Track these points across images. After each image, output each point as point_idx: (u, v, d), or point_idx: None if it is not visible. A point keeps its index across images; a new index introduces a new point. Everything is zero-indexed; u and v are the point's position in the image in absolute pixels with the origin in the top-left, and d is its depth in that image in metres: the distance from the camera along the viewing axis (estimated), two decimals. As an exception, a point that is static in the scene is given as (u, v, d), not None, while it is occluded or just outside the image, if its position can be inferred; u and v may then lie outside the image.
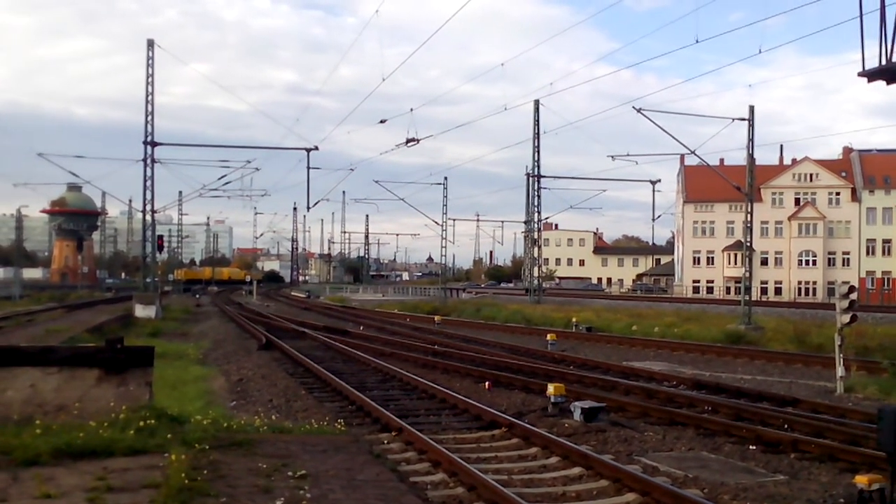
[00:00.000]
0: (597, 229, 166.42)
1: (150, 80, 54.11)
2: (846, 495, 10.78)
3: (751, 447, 14.37)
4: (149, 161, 53.89)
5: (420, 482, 11.56)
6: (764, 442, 14.54)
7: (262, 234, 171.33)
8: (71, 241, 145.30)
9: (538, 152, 67.14)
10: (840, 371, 21.72)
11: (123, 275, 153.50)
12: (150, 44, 54.24)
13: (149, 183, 54.40)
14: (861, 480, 10.51)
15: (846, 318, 21.67)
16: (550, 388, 17.91)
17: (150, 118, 53.59)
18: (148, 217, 56.46)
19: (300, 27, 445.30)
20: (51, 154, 56.79)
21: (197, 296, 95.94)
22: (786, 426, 15.72)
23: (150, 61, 54.03)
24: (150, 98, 53.90)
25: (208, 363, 28.48)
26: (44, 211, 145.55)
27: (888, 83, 10.32)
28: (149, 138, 53.70)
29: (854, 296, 22.23)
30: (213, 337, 39.27)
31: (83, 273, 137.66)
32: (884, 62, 10.01)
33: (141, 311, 52.05)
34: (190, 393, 20.68)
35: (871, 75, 10.29)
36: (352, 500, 9.66)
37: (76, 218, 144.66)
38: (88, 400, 13.81)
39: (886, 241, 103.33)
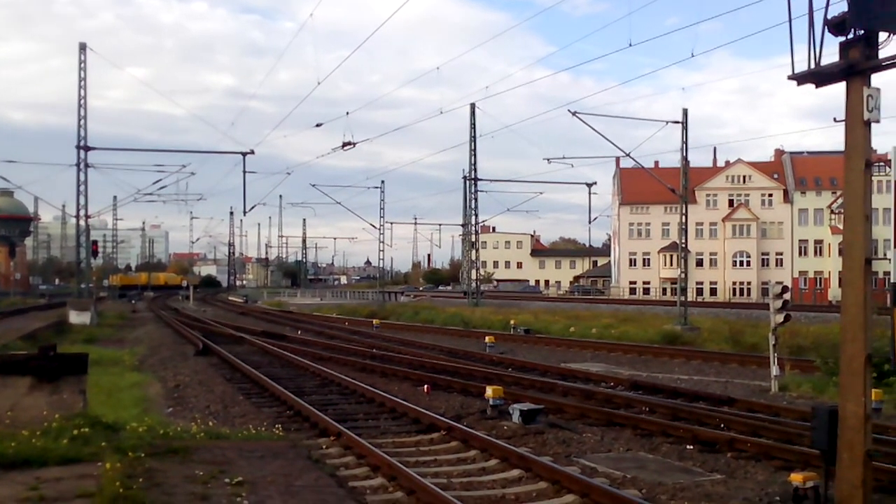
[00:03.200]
0: (534, 232, 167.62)
1: (82, 83, 53.22)
2: (782, 493, 10.95)
3: (688, 447, 14.53)
4: (82, 166, 53.01)
5: (359, 487, 11.49)
6: (701, 441, 14.72)
7: (198, 239, 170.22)
8: (3, 248, 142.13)
9: (475, 155, 67.36)
10: (774, 370, 22.09)
11: (57, 281, 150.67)
12: (83, 47, 53.41)
13: (82, 188, 53.50)
14: (796, 478, 10.69)
15: (780, 317, 22.02)
16: (489, 391, 17.95)
17: (82, 122, 52.74)
18: (82, 222, 55.55)
19: (238, 31, 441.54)
20: (-20, 158, 55.71)
21: (133, 301, 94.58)
22: (722, 426, 15.94)
23: (83, 65, 53.17)
24: (82, 102, 53.04)
25: (144, 369, 28.02)
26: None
27: (817, 86, 10.49)
28: (82, 142, 52.83)
29: (787, 296, 22.59)
30: (150, 343, 38.69)
31: (16, 279, 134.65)
32: (813, 66, 10.18)
33: (75, 317, 51.11)
34: (125, 400, 20.30)
35: (801, 78, 10.46)
36: (290, 507, 9.57)
37: (8, 223, 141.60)
38: (21, 408, 13.52)
39: (818, 242, 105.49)
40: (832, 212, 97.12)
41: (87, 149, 53.13)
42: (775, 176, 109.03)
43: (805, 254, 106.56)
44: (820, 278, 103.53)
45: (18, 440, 11.68)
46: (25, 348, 27.01)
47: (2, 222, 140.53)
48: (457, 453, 14.10)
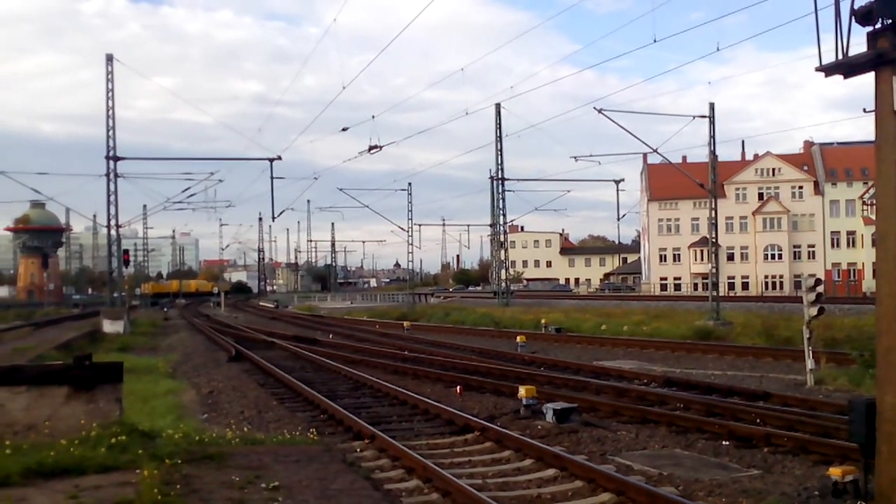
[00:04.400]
0: (563, 230, 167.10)
1: (109, 94, 53.75)
2: (820, 487, 10.84)
3: (724, 443, 14.44)
4: (111, 176, 53.51)
5: (394, 489, 11.51)
6: (736, 437, 14.62)
7: (228, 246, 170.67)
8: (36, 258, 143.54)
9: (501, 155, 67.39)
10: (810, 364, 21.90)
11: (90, 290, 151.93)
12: (109, 58, 53.91)
13: (112, 198, 53.99)
14: (835, 472, 10.59)
15: (814, 310, 21.84)
16: (522, 391, 17.92)
17: (111, 133, 53.25)
18: (113, 232, 56.04)
19: (264, 38, 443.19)
20: (13, 171, 56.38)
21: (165, 309, 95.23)
22: (758, 420, 15.81)
23: (110, 76, 53.70)
24: (110, 113, 53.57)
25: (178, 376, 28.23)
26: (7, 229, 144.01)
27: (845, 77, 10.39)
28: (111, 153, 53.32)
29: (821, 288, 22.40)
30: (183, 350, 38.97)
31: (49, 290, 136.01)
32: (840, 56, 10.09)
33: (109, 326, 51.57)
34: (161, 407, 20.47)
35: (828, 70, 10.37)
36: (327, 511, 9.61)
37: (40, 235, 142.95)
38: (58, 418, 13.66)
39: (850, 233, 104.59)
40: (864, 202, 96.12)
41: (117, 159, 53.63)
42: (805, 168, 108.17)
43: (837, 245, 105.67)
44: (853, 270, 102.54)
45: (57, 449, 11.78)
46: (61, 358, 27.28)
47: (34, 234, 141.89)
48: (491, 454, 14.09)
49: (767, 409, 16.95)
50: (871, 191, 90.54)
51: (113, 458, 11.66)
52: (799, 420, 15.45)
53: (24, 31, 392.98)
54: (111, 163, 53.39)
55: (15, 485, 10.57)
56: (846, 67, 10.26)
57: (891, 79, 9.88)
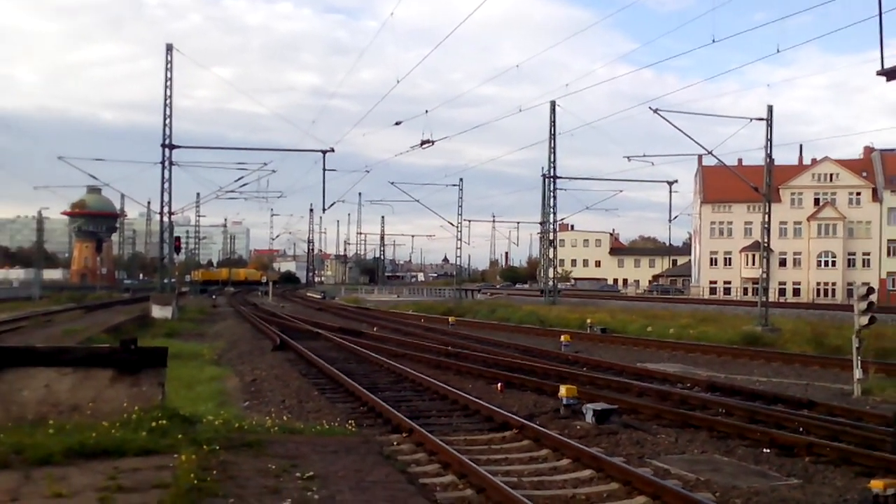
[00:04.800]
0: (613, 230, 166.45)
1: (168, 83, 54.51)
2: (861, 500, 10.67)
3: (764, 450, 14.25)
4: (167, 164, 54.23)
5: (430, 484, 11.53)
6: (778, 445, 14.41)
7: (278, 236, 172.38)
8: (90, 243, 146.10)
9: (554, 153, 67.12)
10: (857, 373, 21.53)
11: (141, 276, 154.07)
12: (169, 48, 54.64)
13: (166, 185, 54.78)
14: (877, 485, 10.40)
15: (865, 319, 21.50)
16: (562, 390, 17.84)
17: (168, 121, 54.03)
18: (165, 219, 56.76)
19: (323, 30, 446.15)
20: (71, 157, 57.29)
21: (213, 297, 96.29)
22: (801, 429, 15.58)
23: (169, 65, 54.45)
24: (168, 101, 54.34)
25: (223, 363, 28.55)
26: (64, 213, 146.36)
27: (906, 82, 10.20)
28: (166, 141, 54.02)
29: (873, 297, 22.06)
30: (229, 337, 39.37)
31: (102, 274, 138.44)
32: (902, 61, 9.91)
33: (158, 311, 52.30)
34: (203, 393, 20.73)
35: (890, 74, 10.20)
36: (360, 502, 9.64)
37: (96, 220, 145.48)
38: (102, 400, 13.85)
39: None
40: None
41: (172, 147, 54.36)
42: (864, 174, 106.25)
43: (894, 254, 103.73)
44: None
45: (99, 431, 11.96)
46: (109, 341, 27.74)
47: (90, 219, 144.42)
48: (528, 452, 14.05)
49: (811, 417, 16.67)
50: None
51: (153, 441, 11.80)
52: (843, 430, 15.20)
53: (88, 20, 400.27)
54: (167, 151, 54.15)
55: (56, 463, 10.76)
56: (907, 72, 10.08)
57: (948, 85, 9.68)
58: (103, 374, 14.14)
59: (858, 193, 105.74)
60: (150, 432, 12.20)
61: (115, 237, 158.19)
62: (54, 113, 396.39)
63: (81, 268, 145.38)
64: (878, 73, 10.20)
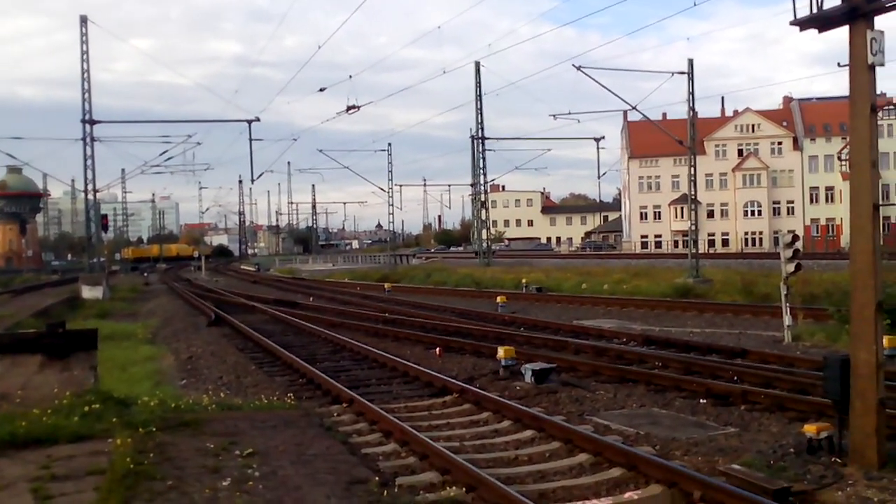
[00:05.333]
0: (544, 189, 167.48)
1: (84, 56, 53.18)
2: (796, 444, 10.86)
3: (701, 401, 14.46)
4: (88, 140, 53.00)
5: (371, 453, 11.47)
6: (714, 395, 14.64)
7: (208, 209, 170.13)
8: (14, 225, 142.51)
9: (481, 114, 67.16)
10: (787, 320, 21.98)
11: (70, 256, 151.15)
12: (84, 20, 53.24)
13: (89, 162, 53.55)
14: (810, 429, 10.60)
15: (791, 266, 21.86)
16: (500, 352, 17.91)
17: (87, 96, 52.75)
18: (90, 197, 55.61)
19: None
20: (-13, 137, 55.79)
21: (145, 274, 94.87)
22: (735, 378, 15.85)
23: (84, 38, 53.09)
24: (85, 76, 53.04)
25: (157, 342, 28.11)
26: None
27: (820, 31, 10.29)
28: (86, 116, 52.77)
29: (798, 244, 22.39)
30: (162, 315, 38.80)
31: (28, 256, 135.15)
32: (815, 10, 9.99)
33: (88, 292, 51.36)
34: (138, 374, 20.39)
35: (803, 24, 10.28)
36: (301, 476, 9.57)
37: (18, 200, 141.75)
38: (31, 387, 13.55)
39: (829, 189, 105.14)
40: (841, 158, 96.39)
41: (93, 122, 53.15)
42: (784, 124, 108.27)
43: (816, 201, 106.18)
44: (832, 225, 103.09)
45: (29, 419, 11.68)
46: (38, 326, 27.07)
47: (11, 199, 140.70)
48: (469, 416, 14.08)
49: (745, 366, 16.98)
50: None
51: (86, 426, 11.58)
52: (776, 377, 15.51)
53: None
54: (87, 126, 52.89)
55: (-14, 455, 10.49)
56: (820, 21, 10.17)
57: (864, 32, 9.79)
58: (32, 360, 13.83)
59: (780, 143, 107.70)
60: (83, 417, 11.97)
61: (39, 218, 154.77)
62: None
63: (6, 251, 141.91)
64: (791, 24, 10.28)
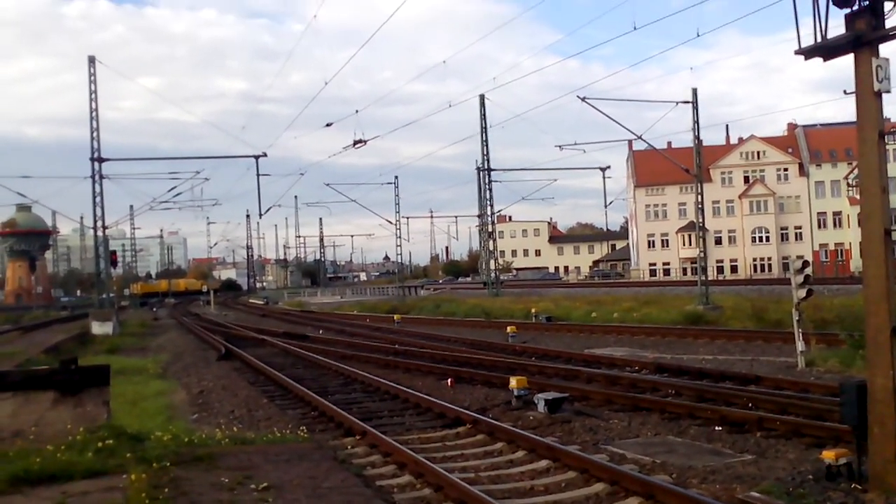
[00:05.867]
0: (551, 218, 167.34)
1: (93, 96, 53.60)
2: (814, 471, 10.78)
3: (716, 428, 14.38)
4: (97, 177, 53.29)
5: (386, 485, 11.42)
6: (729, 422, 14.56)
7: (216, 244, 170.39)
8: (23, 262, 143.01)
9: (487, 146, 67.34)
10: (800, 346, 21.88)
11: (79, 292, 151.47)
12: (92, 60, 53.84)
13: (98, 199, 53.85)
14: (828, 456, 10.52)
15: (802, 292, 21.83)
16: (513, 382, 17.84)
17: (95, 134, 53.10)
18: (99, 233, 55.78)
19: (248, 35, 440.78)
20: (-3, 176, 56.21)
21: (154, 309, 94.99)
22: (750, 405, 15.76)
23: (93, 77, 53.56)
24: (94, 114, 53.44)
25: (168, 377, 28.08)
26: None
27: (824, 60, 10.35)
28: (95, 154, 53.09)
29: (808, 270, 22.39)
30: (172, 350, 38.80)
31: (38, 293, 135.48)
32: (819, 39, 10.04)
33: (98, 328, 51.39)
34: (150, 409, 20.35)
35: (808, 53, 10.33)
36: (318, 510, 9.52)
37: (27, 238, 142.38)
38: (45, 423, 13.55)
39: (836, 213, 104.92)
40: (849, 183, 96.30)
41: (101, 160, 53.45)
42: (790, 150, 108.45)
43: (824, 226, 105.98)
44: (841, 250, 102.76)
45: (43, 455, 11.66)
46: (49, 362, 27.10)
47: (21, 237, 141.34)
48: (483, 446, 14.01)
49: (759, 392, 16.88)
50: (856, 171, 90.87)
51: (100, 462, 11.55)
52: (791, 403, 15.42)
53: (7, 35, 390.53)
54: (96, 164, 53.19)
55: (1, 493, 10.46)
56: (825, 50, 10.22)
57: (870, 60, 9.84)
58: (44, 396, 13.84)
59: (786, 169, 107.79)
60: (97, 453, 11.95)
61: (49, 255, 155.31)
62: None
63: (16, 288, 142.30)
64: (797, 53, 10.32)
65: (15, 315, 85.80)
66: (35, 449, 12.15)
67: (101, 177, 53.47)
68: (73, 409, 13.79)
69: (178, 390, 24.35)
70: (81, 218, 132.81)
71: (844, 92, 10.25)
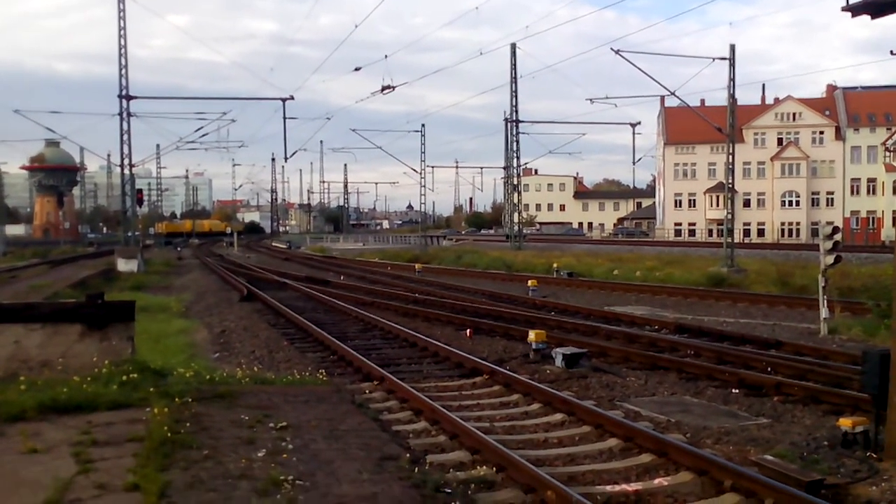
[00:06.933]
0: (577, 173, 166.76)
1: (122, 32, 53.52)
2: (830, 438, 10.80)
3: (733, 391, 14.41)
4: (125, 115, 53.40)
5: (402, 431, 11.55)
6: (747, 385, 14.58)
7: (241, 186, 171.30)
8: (52, 197, 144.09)
9: (516, 97, 66.94)
10: (824, 312, 21.77)
11: (105, 229, 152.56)
12: (121, -5, 53.48)
13: (125, 137, 53.98)
14: (845, 423, 10.52)
15: (830, 259, 21.68)
16: (531, 335, 17.92)
17: (123, 71, 53.08)
18: (126, 171, 56.06)
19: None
20: (27, 110, 56.49)
21: (178, 249, 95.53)
22: (769, 369, 15.76)
23: (122, 13, 53.46)
24: (122, 51, 53.37)
25: (191, 316, 28.38)
26: (23, 167, 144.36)
27: (872, 17, 10.12)
28: (123, 92, 53.13)
29: (838, 236, 22.21)
30: (196, 289, 39.13)
31: (65, 228, 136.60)
32: (868, -6, 9.86)
33: (123, 265, 51.90)
34: (173, 346, 20.62)
35: (855, 9, 10.12)
36: (333, 451, 9.66)
37: (55, 174, 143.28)
38: (72, 355, 13.78)
39: (871, 180, 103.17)
40: (887, 149, 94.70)
41: (129, 98, 53.51)
42: (827, 113, 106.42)
43: (857, 193, 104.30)
44: (873, 218, 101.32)
45: (70, 386, 11.90)
46: (75, 296, 27.43)
47: (49, 172, 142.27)
48: (499, 397, 14.12)
49: (779, 357, 16.84)
50: (895, 137, 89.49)
51: (125, 395, 11.76)
52: (810, 369, 15.39)
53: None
54: (124, 102, 53.28)
55: (30, 419, 10.72)
56: (873, 6, 10.02)
57: (917, 20, 9.64)
58: (72, 329, 14.05)
59: (822, 132, 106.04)
60: (122, 386, 12.16)
61: (76, 191, 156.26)
62: (7, 66, 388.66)
63: (44, 223, 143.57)
64: (843, 9, 10.11)
65: (43, 249, 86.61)
66: (62, 379, 12.39)
67: (129, 114, 53.62)
68: (98, 343, 14.00)
69: (200, 329, 24.62)
70: (108, 155, 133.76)
71: (891, 52, 10.10)
